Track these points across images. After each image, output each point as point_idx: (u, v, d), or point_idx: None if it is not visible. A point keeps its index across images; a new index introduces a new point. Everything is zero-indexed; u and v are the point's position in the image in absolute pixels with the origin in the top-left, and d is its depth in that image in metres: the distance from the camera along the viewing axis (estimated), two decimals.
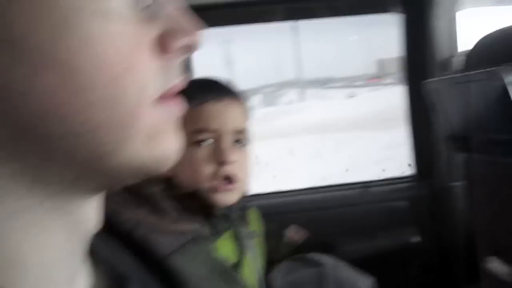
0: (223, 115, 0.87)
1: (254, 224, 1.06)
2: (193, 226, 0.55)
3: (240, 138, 0.89)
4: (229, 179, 0.86)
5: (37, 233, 0.27)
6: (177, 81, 0.31)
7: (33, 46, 0.24)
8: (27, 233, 0.27)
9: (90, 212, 0.31)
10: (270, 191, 1.70)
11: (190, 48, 0.31)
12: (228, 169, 0.85)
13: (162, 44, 0.29)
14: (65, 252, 0.30)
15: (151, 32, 0.29)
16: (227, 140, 0.87)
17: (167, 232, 0.48)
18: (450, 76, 1.09)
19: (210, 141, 0.86)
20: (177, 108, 0.32)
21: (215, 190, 0.85)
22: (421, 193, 1.59)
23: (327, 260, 1.17)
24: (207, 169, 0.85)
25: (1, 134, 0.25)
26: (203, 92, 0.88)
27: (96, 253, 0.36)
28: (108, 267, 0.37)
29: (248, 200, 1.03)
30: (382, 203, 1.58)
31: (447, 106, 1.09)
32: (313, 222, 1.52)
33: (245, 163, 0.91)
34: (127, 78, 0.27)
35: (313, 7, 1.59)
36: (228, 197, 0.87)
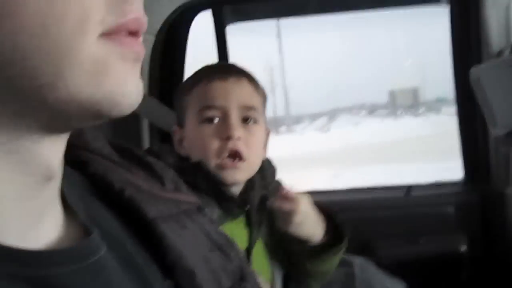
0: (229, 92, 0.89)
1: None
2: (189, 197, 0.51)
3: (248, 115, 0.90)
4: (235, 156, 0.86)
5: None
6: (133, 17, 0.29)
7: None
8: None
9: (46, 154, 0.30)
10: (310, 190, 1.65)
11: None
12: (234, 145, 0.86)
13: None
14: (17, 192, 0.29)
15: None
16: (233, 117, 0.88)
17: (158, 198, 0.45)
18: (502, 59, 0.99)
19: (218, 119, 0.88)
20: (132, 47, 0.30)
21: (222, 167, 0.86)
22: (470, 199, 1.49)
23: (357, 260, 1.11)
24: (214, 144, 0.86)
25: None
26: (211, 71, 0.92)
27: (71, 203, 0.36)
28: (80, 217, 0.36)
29: (273, 194, 0.99)
30: (426, 208, 1.49)
31: (497, 94, 1.00)
32: (353, 223, 1.46)
33: (254, 140, 0.90)
34: (66, 3, 0.25)
35: None
36: (235, 175, 0.87)
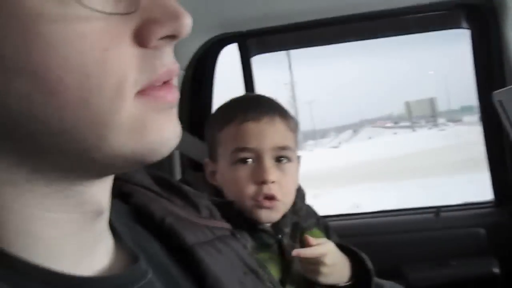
0: (262, 134, 0.89)
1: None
2: (223, 224, 0.55)
3: (282, 155, 0.90)
4: (270, 198, 0.87)
5: (43, 213, 0.30)
6: (165, 70, 0.31)
7: (0, 56, 0.26)
8: (32, 213, 0.30)
9: (97, 194, 0.33)
10: (338, 213, 1.66)
11: (174, 35, 0.30)
12: (268, 189, 0.87)
13: (141, 35, 0.29)
14: (74, 228, 0.32)
15: (129, 25, 0.29)
16: (267, 160, 0.88)
17: (195, 225, 0.49)
18: None
19: (252, 161, 0.88)
20: (166, 98, 0.31)
21: (257, 206, 0.87)
22: (501, 220, 1.46)
23: (388, 284, 1.11)
24: (249, 188, 0.88)
25: None
26: (243, 111, 0.91)
27: (119, 231, 0.39)
28: (128, 244, 0.39)
29: (305, 219, 1.01)
30: (456, 230, 1.47)
31: None
32: (382, 247, 1.46)
33: (288, 180, 0.91)
34: (101, 76, 0.27)
35: (380, 25, 1.57)
36: (270, 215, 0.89)
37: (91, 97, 0.27)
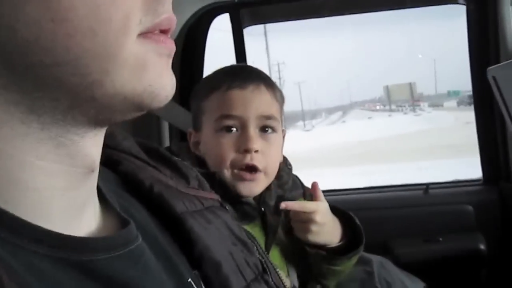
0: (247, 102, 0.87)
1: None
2: (212, 195, 0.54)
3: (267, 125, 0.88)
4: (252, 169, 0.85)
5: (34, 160, 0.30)
6: (166, 16, 0.32)
7: None
8: (24, 160, 0.29)
9: (88, 148, 0.33)
10: (327, 189, 1.65)
11: None
12: (251, 158, 0.85)
13: None
14: (64, 182, 0.32)
15: None
16: (252, 128, 0.86)
17: (184, 195, 0.48)
18: None
19: (236, 130, 0.87)
20: (165, 44, 0.32)
21: (238, 178, 0.86)
22: (489, 198, 1.48)
23: (376, 258, 1.11)
24: (230, 155, 0.86)
25: None
26: (229, 79, 0.89)
27: (107, 198, 0.39)
28: (116, 210, 0.39)
29: (290, 190, 1.00)
30: (444, 206, 1.48)
31: None
32: (370, 222, 1.45)
33: (272, 150, 0.89)
34: (111, 8, 0.28)
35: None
36: (252, 188, 0.87)
37: (99, 28, 0.28)
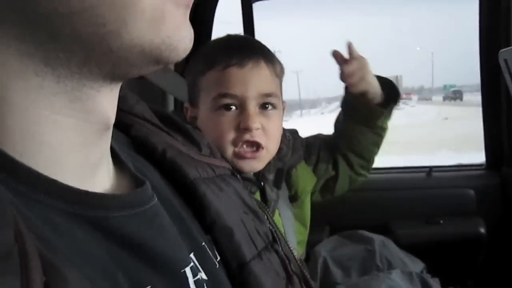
0: (246, 80, 0.85)
1: (302, 182, 1.03)
2: (223, 163, 0.54)
3: (267, 102, 0.87)
4: (253, 146, 0.84)
5: (49, 114, 0.29)
6: None
7: None
8: (39, 113, 0.29)
9: (104, 104, 0.32)
10: None
11: None
12: (251, 136, 0.84)
13: None
14: (79, 138, 0.31)
15: None
16: (251, 106, 0.84)
17: (196, 162, 0.48)
18: None
19: (235, 108, 0.85)
20: None
21: (239, 156, 0.85)
22: (491, 183, 1.48)
23: (377, 237, 1.12)
24: (230, 134, 0.84)
25: (9, 16, 0.26)
26: (227, 55, 0.86)
27: (121, 159, 0.39)
28: (131, 170, 0.38)
29: (292, 155, 1.00)
30: (446, 189, 1.49)
31: None
32: (372, 203, 1.48)
33: (272, 127, 0.87)
34: None
35: None
36: (252, 165, 0.86)
37: None
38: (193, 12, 1.28)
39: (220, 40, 0.95)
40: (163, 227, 0.35)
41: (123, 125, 0.45)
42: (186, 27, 0.32)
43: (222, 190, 0.48)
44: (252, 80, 0.85)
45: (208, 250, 0.41)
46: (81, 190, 0.30)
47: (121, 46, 0.29)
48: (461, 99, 29.19)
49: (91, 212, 0.30)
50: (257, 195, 0.90)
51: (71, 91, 0.29)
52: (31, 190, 0.28)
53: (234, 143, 0.84)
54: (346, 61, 0.97)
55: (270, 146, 0.87)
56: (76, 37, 0.27)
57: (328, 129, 1.13)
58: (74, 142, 0.31)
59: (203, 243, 0.41)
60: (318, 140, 1.09)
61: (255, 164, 0.86)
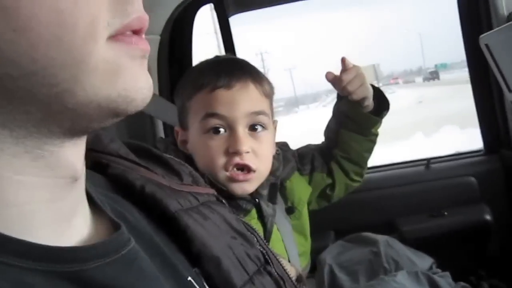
0: (234, 101, 0.84)
1: (298, 193, 1.02)
2: (207, 189, 0.52)
3: (256, 122, 0.86)
4: (244, 169, 0.84)
5: (12, 175, 0.29)
6: (136, 16, 0.31)
7: None
8: (2, 176, 0.28)
9: (69, 158, 0.32)
10: None
11: None
12: (241, 159, 0.83)
13: None
14: (47, 194, 0.31)
15: None
16: (240, 128, 0.84)
17: (178, 192, 0.47)
18: (510, 23, 0.97)
19: (224, 131, 0.84)
20: (138, 45, 0.31)
21: (231, 180, 0.84)
22: (491, 168, 1.47)
23: (381, 238, 1.11)
24: (221, 159, 0.83)
25: None
26: (214, 77, 0.85)
27: (98, 203, 0.38)
28: (107, 214, 0.38)
29: (284, 168, 0.99)
30: (447, 180, 1.47)
31: (508, 59, 0.98)
32: (374, 202, 1.47)
33: (263, 149, 0.86)
34: (75, 12, 0.27)
35: None
36: (245, 188, 0.85)
37: (63, 35, 0.27)
38: (172, 27, 1.28)
39: (208, 62, 0.94)
40: (142, 271, 0.35)
41: (99, 165, 0.45)
42: (143, 78, 0.31)
43: (206, 218, 0.47)
44: (240, 101, 0.84)
45: (196, 284, 0.40)
46: (52, 246, 0.30)
47: (77, 103, 0.28)
48: (438, 78, 30.22)
49: (67, 267, 0.30)
50: (254, 213, 0.90)
51: (32, 150, 0.29)
52: (0, 254, 0.27)
53: (225, 167, 0.83)
54: (342, 73, 0.99)
55: (261, 169, 0.86)
56: (30, 98, 0.27)
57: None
58: (42, 200, 0.30)
59: (189, 278, 0.40)
60: (310, 149, 1.09)
61: (247, 186, 0.85)
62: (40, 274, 0.28)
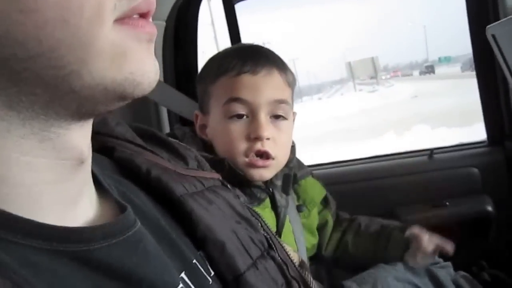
0: (258, 87, 0.84)
1: (311, 193, 1.03)
2: (213, 174, 0.53)
3: (278, 111, 0.86)
4: (263, 155, 0.84)
5: (19, 156, 0.29)
6: (143, 0, 0.31)
7: None
8: (9, 157, 0.29)
9: (75, 140, 0.32)
10: (332, 161, 1.65)
11: None
12: (262, 146, 0.83)
13: None
14: (53, 176, 0.31)
15: None
16: (262, 115, 0.84)
17: (183, 177, 0.47)
18: None
19: (246, 116, 0.84)
20: (145, 29, 0.31)
21: (250, 165, 0.84)
22: (494, 159, 1.46)
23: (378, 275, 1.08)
24: (242, 144, 0.84)
25: None
26: (240, 62, 0.85)
27: (104, 185, 0.39)
28: (113, 196, 0.38)
29: (297, 169, 1.00)
30: (449, 170, 1.47)
31: None
32: (377, 191, 1.47)
33: (283, 138, 0.87)
34: None
35: None
36: (263, 174, 0.86)
37: (70, 17, 0.27)
38: (177, 14, 1.28)
39: (233, 48, 0.95)
40: (148, 252, 0.35)
41: (106, 149, 0.45)
42: (149, 62, 0.31)
43: (211, 202, 0.48)
44: (264, 87, 0.85)
45: (200, 267, 0.41)
46: (59, 226, 0.30)
47: (83, 86, 0.29)
48: (434, 73, 30.38)
49: (72, 247, 0.30)
50: (267, 202, 0.90)
51: (39, 132, 0.29)
52: (7, 232, 0.28)
53: (245, 153, 0.84)
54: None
55: (280, 157, 0.87)
56: (37, 80, 0.28)
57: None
58: (49, 181, 0.31)
59: (194, 261, 0.41)
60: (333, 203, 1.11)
61: (265, 172, 0.86)
62: (46, 253, 0.29)
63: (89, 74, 0.28)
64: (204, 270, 0.41)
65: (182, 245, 0.41)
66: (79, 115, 0.31)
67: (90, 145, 0.35)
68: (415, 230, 0.98)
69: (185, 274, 0.38)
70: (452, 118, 8.72)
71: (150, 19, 0.33)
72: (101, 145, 0.45)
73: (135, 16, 0.31)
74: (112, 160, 0.45)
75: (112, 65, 0.29)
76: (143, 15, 0.31)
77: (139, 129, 0.51)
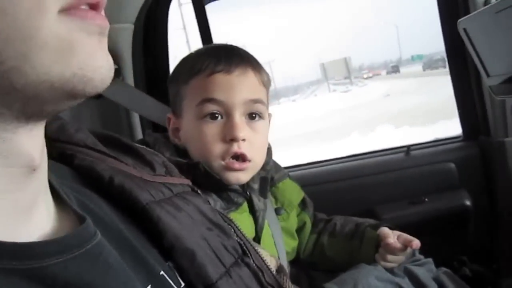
0: (232, 86, 0.82)
1: (289, 195, 1.01)
2: (182, 180, 0.50)
3: (254, 111, 0.84)
4: (239, 158, 0.81)
5: None
6: None
7: None
8: None
9: (24, 145, 0.30)
10: (308, 162, 1.64)
11: None
12: (238, 147, 0.81)
13: None
14: (4, 185, 0.29)
15: None
16: (237, 115, 0.81)
17: (149, 184, 0.45)
18: (487, 6, 0.96)
19: (220, 117, 0.82)
20: (95, 20, 0.29)
21: (226, 168, 0.81)
22: (470, 153, 1.47)
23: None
24: (217, 147, 0.81)
25: None
26: (214, 61, 0.83)
27: (62, 197, 0.36)
28: (72, 207, 0.36)
29: (274, 171, 0.99)
30: (426, 166, 1.47)
31: (486, 43, 0.97)
32: (355, 190, 1.46)
33: (259, 138, 0.85)
34: None
35: None
36: (240, 177, 0.83)
37: (7, 6, 0.24)
38: (146, 16, 1.23)
39: (206, 48, 0.91)
40: (109, 265, 0.33)
41: (65, 156, 0.43)
42: (101, 56, 0.29)
43: (180, 210, 0.45)
44: (239, 86, 0.82)
45: (169, 278, 0.38)
46: (7, 242, 0.28)
47: (26, 83, 0.26)
48: (399, 72, 31.21)
49: (23, 264, 0.28)
50: (245, 206, 0.88)
51: None
52: None
53: (222, 156, 0.81)
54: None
55: (256, 159, 0.84)
56: None
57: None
58: None
59: (162, 272, 0.38)
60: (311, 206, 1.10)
61: (242, 176, 0.83)
62: None
63: (32, 70, 0.26)
64: (173, 282, 0.39)
65: (148, 257, 0.38)
66: (26, 117, 0.28)
67: (45, 151, 0.33)
68: (384, 230, 0.96)
69: (151, 287, 0.35)
70: (416, 117, 8.96)
71: (102, 12, 0.30)
72: (60, 152, 0.42)
73: (83, 7, 0.28)
74: (72, 169, 0.42)
75: (58, 59, 0.27)
76: (92, 7, 0.29)
77: (102, 135, 0.48)
